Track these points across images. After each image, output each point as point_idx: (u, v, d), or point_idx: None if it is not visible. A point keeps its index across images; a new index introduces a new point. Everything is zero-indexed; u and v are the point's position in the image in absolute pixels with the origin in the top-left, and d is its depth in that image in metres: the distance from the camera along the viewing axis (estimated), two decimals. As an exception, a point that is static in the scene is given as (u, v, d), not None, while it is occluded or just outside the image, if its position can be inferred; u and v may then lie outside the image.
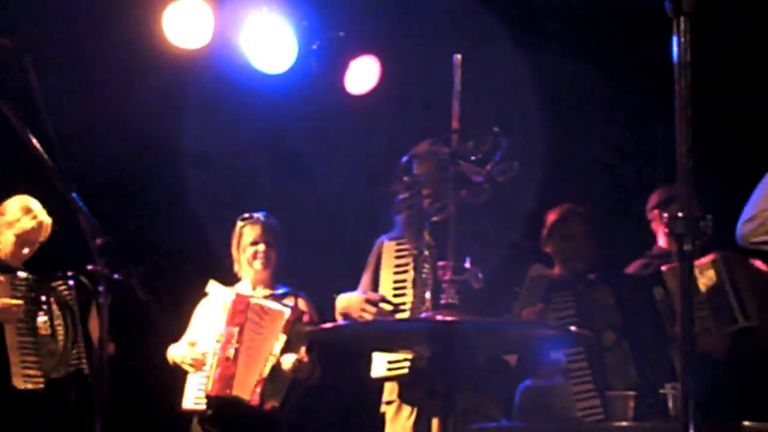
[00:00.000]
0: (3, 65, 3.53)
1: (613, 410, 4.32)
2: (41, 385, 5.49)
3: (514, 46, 6.18)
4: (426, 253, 3.57)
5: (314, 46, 6.29)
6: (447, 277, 3.11)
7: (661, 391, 4.28)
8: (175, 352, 5.45)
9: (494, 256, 4.73)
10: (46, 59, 3.78)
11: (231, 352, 5.36)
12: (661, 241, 5.41)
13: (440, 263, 3.15)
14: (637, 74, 6.30)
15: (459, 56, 3.32)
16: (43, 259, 5.75)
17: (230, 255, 5.65)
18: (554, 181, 6.20)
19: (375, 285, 4.87)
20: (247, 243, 5.59)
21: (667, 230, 5.27)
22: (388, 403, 4.92)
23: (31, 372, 5.49)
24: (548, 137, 6.26)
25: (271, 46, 6.17)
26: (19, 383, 5.46)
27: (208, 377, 5.35)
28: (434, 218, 3.22)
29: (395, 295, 4.76)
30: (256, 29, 6.14)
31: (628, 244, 5.75)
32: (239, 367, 5.34)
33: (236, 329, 5.40)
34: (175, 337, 5.52)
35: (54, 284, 5.65)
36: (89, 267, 3.72)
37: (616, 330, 5.06)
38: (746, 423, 4.16)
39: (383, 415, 4.96)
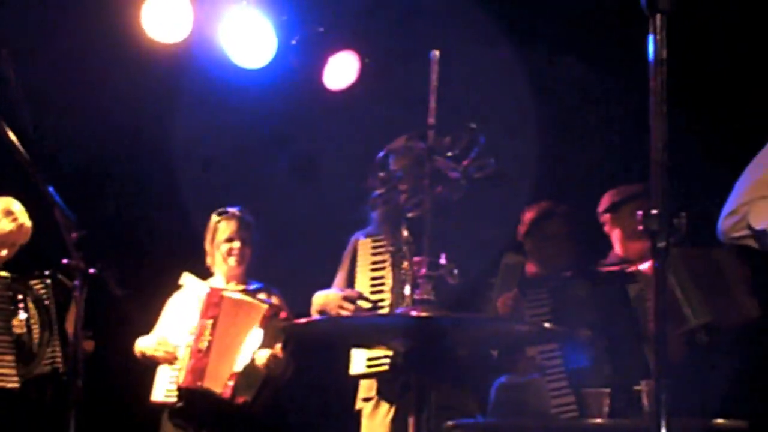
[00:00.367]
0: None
1: (587, 407, 4.33)
2: (17, 385, 5.46)
3: (497, 42, 6.19)
4: (404, 249, 3.56)
5: (293, 41, 6.27)
6: (422, 273, 3.12)
7: (636, 388, 4.30)
8: (145, 344, 5.44)
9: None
10: (24, 52, 3.76)
11: (204, 344, 5.36)
12: (617, 248, 5.35)
13: (415, 259, 3.16)
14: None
15: (436, 52, 3.32)
16: (20, 253, 5.72)
17: (204, 249, 5.64)
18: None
19: (350, 282, 4.85)
20: (221, 239, 5.59)
21: (622, 234, 5.33)
22: (366, 399, 4.91)
23: (6, 371, 5.46)
24: (530, 134, 6.27)
25: (250, 40, 6.15)
26: (-5, 383, 5.46)
27: (179, 369, 5.34)
28: (410, 214, 3.22)
29: (373, 292, 4.75)
30: (235, 24, 6.12)
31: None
32: (211, 360, 5.33)
33: (210, 322, 5.40)
34: (149, 331, 5.51)
35: (31, 282, 5.61)
36: (65, 261, 3.70)
37: (591, 327, 5.07)
38: (718, 420, 4.19)
39: (359, 411, 4.97)
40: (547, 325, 4.25)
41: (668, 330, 4.85)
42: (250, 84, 6.34)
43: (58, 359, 5.53)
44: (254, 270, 5.70)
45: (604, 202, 5.39)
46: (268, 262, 5.79)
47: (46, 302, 5.58)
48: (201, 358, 5.33)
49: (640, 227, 2.55)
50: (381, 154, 3.36)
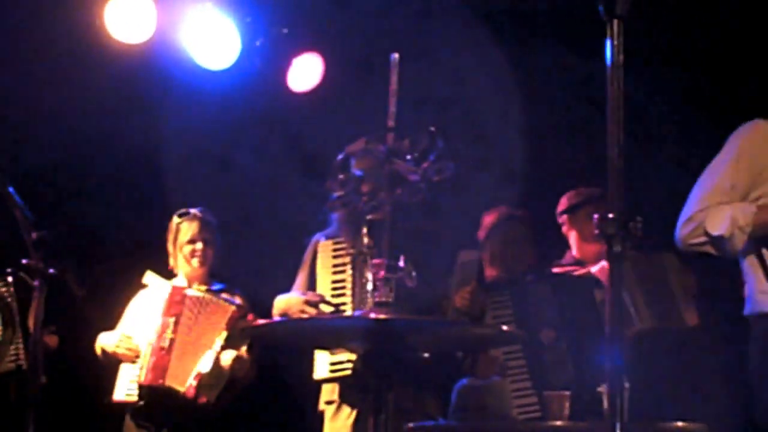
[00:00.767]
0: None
1: (549, 410, 4.35)
2: (-19, 383, 5.44)
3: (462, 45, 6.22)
4: (365, 252, 3.57)
5: (258, 43, 6.26)
6: (381, 276, 3.12)
7: (598, 389, 4.32)
8: (106, 341, 5.41)
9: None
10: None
11: (166, 342, 5.34)
12: (573, 249, 5.38)
13: (374, 261, 3.16)
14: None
15: (396, 55, 3.33)
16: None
17: (166, 250, 5.63)
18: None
19: (311, 285, 4.84)
20: (184, 240, 5.58)
21: (578, 236, 5.37)
22: (329, 402, 4.91)
23: (-30, 370, 5.44)
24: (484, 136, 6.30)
25: (213, 41, 6.13)
26: (-42, 382, 5.43)
27: (141, 367, 5.32)
28: (369, 216, 3.22)
29: (334, 296, 4.75)
30: (199, 25, 6.10)
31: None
32: (173, 358, 5.31)
33: (172, 320, 5.38)
34: (108, 330, 5.49)
35: None
36: (24, 261, 3.68)
37: (555, 328, 5.10)
38: (678, 423, 4.21)
39: (321, 414, 4.96)
40: (505, 327, 4.27)
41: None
42: (213, 85, 6.32)
43: (22, 357, 5.52)
44: (217, 271, 5.69)
45: (563, 203, 5.44)
46: (231, 263, 5.78)
47: (8, 300, 5.56)
48: (163, 356, 5.31)
49: (596, 231, 2.57)
50: (341, 156, 3.36)
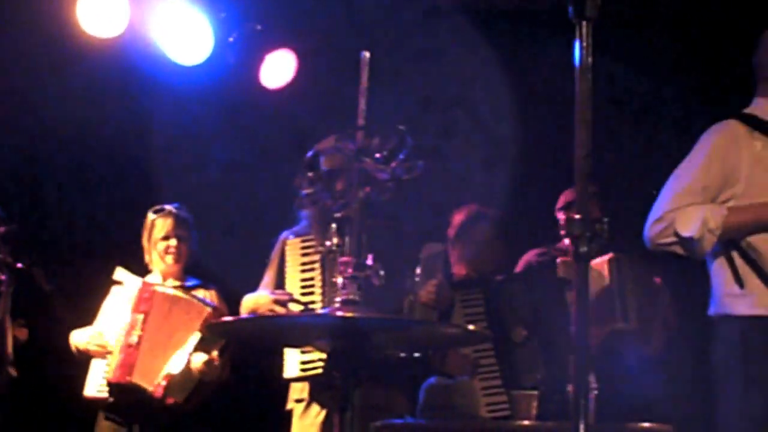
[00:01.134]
0: None
1: (517, 409, 4.36)
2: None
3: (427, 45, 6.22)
4: (334, 250, 3.56)
5: (231, 39, 6.24)
6: (348, 274, 3.12)
7: (568, 389, 4.33)
8: (79, 338, 5.39)
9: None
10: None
11: (134, 339, 5.30)
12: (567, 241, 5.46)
13: (342, 259, 3.16)
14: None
15: (367, 54, 3.32)
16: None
17: (141, 246, 5.61)
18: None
19: (279, 283, 4.81)
20: (158, 237, 5.55)
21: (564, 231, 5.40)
22: (298, 401, 4.90)
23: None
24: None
25: (187, 37, 6.11)
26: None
27: (109, 364, 5.29)
28: (337, 214, 3.22)
29: (303, 294, 4.73)
30: (171, 20, 6.08)
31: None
32: (141, 355, 5.27)
33: (140, 316, 5.34)
34: (79, 326, 5.46)
35: None
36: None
37: (526, 327, 5.12)
38: (645, 424, 4.23)
39: (290, 412, 4.95)
40: (472, 327, 4.28)
41: (593, 323, 5.08)
42: (186, 80, 6.30)
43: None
44: (192, 267, 5.68)
45: (561, 200, 5.55)
46: (207, 259, 5.77)
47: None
48: (131, 352, 5.27)
49: (562, 231, 2.58)
50: (310, 153, 3.36)
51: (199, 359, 5.28)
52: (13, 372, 5.29)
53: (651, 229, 3.96)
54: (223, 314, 5.38)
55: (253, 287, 4.91)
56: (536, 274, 5.44)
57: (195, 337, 5.30)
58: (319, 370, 4.59)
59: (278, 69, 6.33)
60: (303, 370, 4.65)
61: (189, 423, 5.42)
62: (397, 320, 3.51)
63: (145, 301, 5.38)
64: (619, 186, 5.68)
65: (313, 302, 4.68)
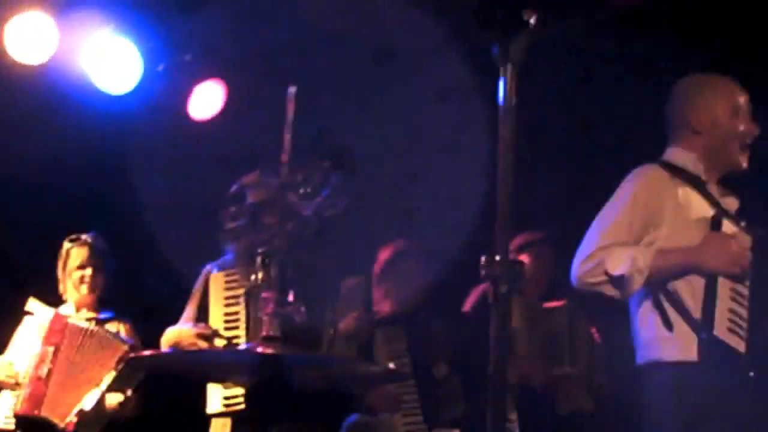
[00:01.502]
0: None
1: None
2: None
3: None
4: (259, 285, 3.55)
5: (160, 68, 6.20)
6: (269, 310, 3.11)
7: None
8: None
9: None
10: None
11: (43, 371, 5.21)
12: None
13: (263, 295, 3.15)
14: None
15: (293, 88, 3.33)
16: None
17: (56, 276, 5.53)
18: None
19: (200, 317, 4.74)
20: (73, 266, 5.48)
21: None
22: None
23: None
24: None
25: (115, 65, 6.06)
26: None
27: (18, 396, 5.20)
28: (260, 249, 3.21)
29: (227, 328, 4.66)
30: (100, 48, 6.03)
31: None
32: (51, 388, 5.18)
33: (51, 349, 5.25)
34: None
35: None
36: None
37: (448, 363, 5.15)
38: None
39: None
40: (392, 365, 4.28)
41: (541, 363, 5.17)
42: (113, 109, 6.24)
43: None
44: (108, 298, 5.60)
45: (515, 242, 5.66)
46: (127, 290, 5.71)
47: None
48: (40, 385, 5.18)
49: (483, 272, 2.58)
50: (234, 187, 3.35)
51: (114, 399, 5.20)
52: None
53: (580, 268, 3.97)
54: (138, 350, 5.31)
55: (175, 320, 4.84)
56: (460, 309, 5.50)
57: (110, 375, 5.22)
58: (242, 406, 4.54)
59: (206, 100, 6.31)
60: (226, 405, 4.59)
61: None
62: (317, 357, 3.50)
63: (57, 333, 5.29)
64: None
65: (237, 337, 4.62)
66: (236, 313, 4.67)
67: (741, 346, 3.85)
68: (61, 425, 5.12)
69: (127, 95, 6.18)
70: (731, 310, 3.88)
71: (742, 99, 4.15)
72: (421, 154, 6.58)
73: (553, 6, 2.77)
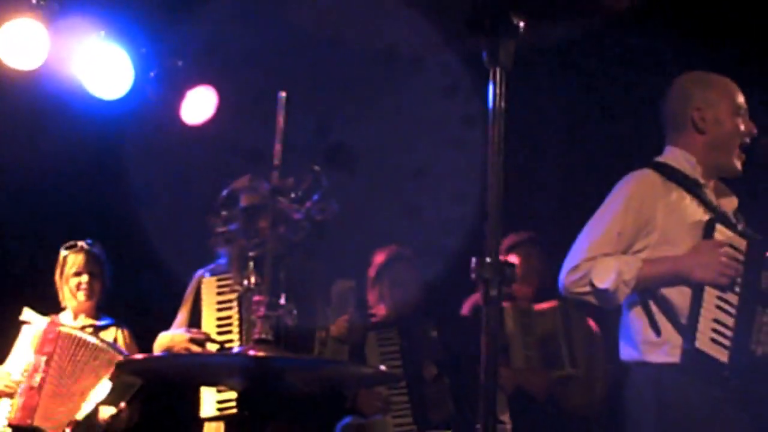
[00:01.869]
0: None
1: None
2: None
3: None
4: (252, 289, 3.56)
5: (152, 74, 6.21)
6: (260, 313, 3.12)
7: (477, 426, 4.35)
8: None
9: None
10: None
11: (36, 381, 5.18)
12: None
13: (255, 298, 3.16)
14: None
15: (284, 95, 3.34)
16: None
17: (54, 283, 5.53)
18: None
19: (193, 322, 4.73)
20: (70, 273, 5.47)
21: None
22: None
23: None
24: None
25: (107, 71, 6.07)
26: None
27: (12, 405, 5.20)
28: (251, 253, 3.22)
29: (220, 333, 4.66)
30: (92, 53, 6.04)
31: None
32: (44, 398, 5.16)
33: (44, 358, 5.22)
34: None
35: None
36: None
37: (438, 364, 5.17)
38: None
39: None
40: (383, 367, 4.29)
41: (540, 368, 5.18)
42: (106, 115, 6.25)
43: None
44: (106, 305, 5.60)
45: (504, 244, 5.63)
46: (122, 296, 5.71)
47: None
48: (32, 395, 5.16)
49: (473, 275, 2.60)
50: (225, 192, 3.36)
51: (107, 411, 5.18)
52: None
53: (567, 277, 3.97)
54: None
55: (167, 326, 4.84)
56: (450, 312, 5.52)
57: (105, 385, 5.20)
58: (236, 410, 4.54)
59: (199, 105, 6.31)
60: (220, 409, 4.60)
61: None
62: (309, 360, 3.52)
63: (49, 342, 5.26)
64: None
65: (230, 341, 4.63)
66: (229, 317, 4.69)
67: (723, 356, 3.83)
68: (53, 435, 5.11)
69: (119, 101, 6.19)
70: (716, 320, 3.86)
71: (742, 98, 4.13)
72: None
73: (541, 11, 2.79)
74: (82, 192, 6.64)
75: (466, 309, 5.63)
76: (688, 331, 3.85)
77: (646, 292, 3.96)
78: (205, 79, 6.34)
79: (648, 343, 3.96)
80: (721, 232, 3.95)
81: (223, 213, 3.29)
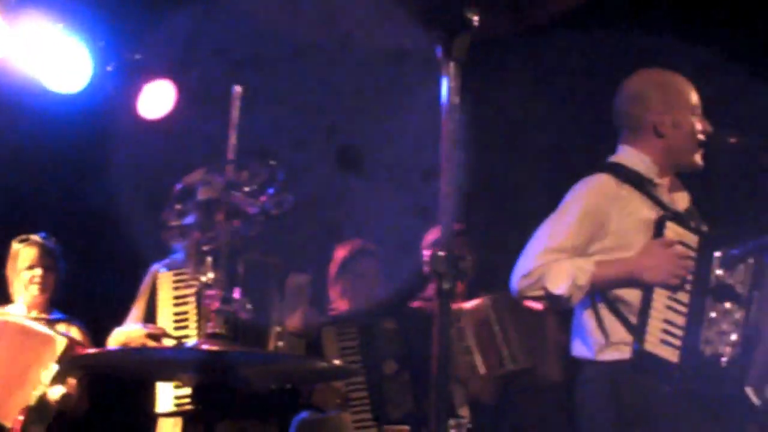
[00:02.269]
0: None
1: (387, 443, 4.39)
2: None
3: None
4: (210, 284, 3.54)
5: (109, 68, 6.17)
6: (214, 307, 3.11)
7: (450, 423, 4.36)
8: None
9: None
10: None
11: None
12: None
13: (208, 293, 3.15)
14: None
15: (239, 88, 3.34)
16: None
17: (5, 276, 5.49)
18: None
19: (148, 317, 4.69)
20: (23, 267, 5.43)
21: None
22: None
23: None
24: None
25: (63, 65, 6.01)
26: None
27: None
28: (205, 247, 3.21)
29: (177, 328, 4.63)
30: (48, 47, 5.97)
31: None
32: None
33: None
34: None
35: None
36: None
37: (398, 360, 5.16)
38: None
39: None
40: (337, 362, 4.29)
41: (483, 371, 5.15)
42: (63, 109, 6.20)
43: None
44: (59, 299, 5.56)
45: (426, 239, 5.49)
46: (76, 292, 5.67)
47: None
48: None
49: (426, 269, 2.60)
50: (179, 186, 3.35)
51: (57, 392, 5.12)
52: None
53: (519, 283, 3.96)
54: (77, 344, 5.22)
55: (120, 321, 4.80)
56: (411, 307, 5.51)
57: (52, 368, 5.13)
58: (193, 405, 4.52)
59: (156, 99, 6.27)
60: (177, 405, 4.57)
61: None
62: (263, 354, 3.51)
63: None
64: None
65: (187, 337, 4.60)
66: (186, 312, 4.65)
67: (674, 356, 3.84)
68: (9, 426, 5.07)
69: (77, 95, 6.13)
70: (666, 321, 3.87)
71: (696, 97, 4.13)
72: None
73: (495, 5, 2.80)
74: (39, 186, 6.59)
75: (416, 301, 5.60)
76: (636, 334, 3.86)
77: (597, 295, 3.97)
78: (163, 72, 6.30)
79: (598, 345, 3.97)
80: (672, 230, 3.95)
81: (177, 206, 3.28)
